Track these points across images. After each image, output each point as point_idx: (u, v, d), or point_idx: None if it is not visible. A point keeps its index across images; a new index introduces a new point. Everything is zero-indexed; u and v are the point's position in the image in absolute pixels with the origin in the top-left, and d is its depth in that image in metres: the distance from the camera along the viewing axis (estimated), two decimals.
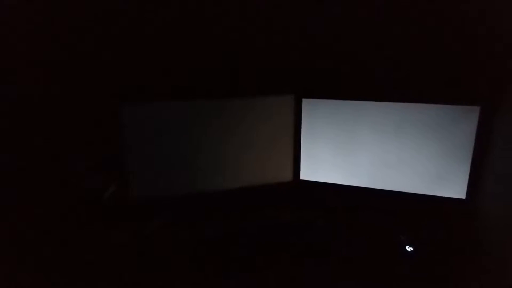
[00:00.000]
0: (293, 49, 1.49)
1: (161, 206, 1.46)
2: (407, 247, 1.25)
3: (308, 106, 1.44)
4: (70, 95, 1.47)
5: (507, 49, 1.25)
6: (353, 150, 1.42)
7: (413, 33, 1.37)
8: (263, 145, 1.47)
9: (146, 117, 1.36)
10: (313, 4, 1.41)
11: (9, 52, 1.33)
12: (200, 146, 1.43)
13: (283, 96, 1.44)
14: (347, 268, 1.19)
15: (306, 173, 1.51)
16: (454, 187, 1.33)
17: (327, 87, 1.49)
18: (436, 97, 1.30)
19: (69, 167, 1.49)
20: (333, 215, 1.43)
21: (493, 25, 1.25)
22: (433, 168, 1.35)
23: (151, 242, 1.32)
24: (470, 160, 1.30)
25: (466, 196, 1.33)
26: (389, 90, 1.43)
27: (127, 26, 1.44)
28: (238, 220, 1.42)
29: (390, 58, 1.43)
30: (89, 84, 1.49)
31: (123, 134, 1.35)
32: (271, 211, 1.46)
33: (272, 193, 1.53)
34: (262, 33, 1.48)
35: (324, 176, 1.49)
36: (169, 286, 1.16)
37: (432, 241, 1.28)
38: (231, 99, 1.41)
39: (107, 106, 1.38)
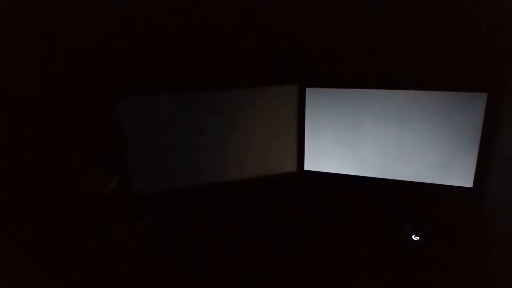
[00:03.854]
0: (296, 38, 1.47)
1: (162, 200, 1.45)
2: (413, 237, 1.24)
3: (312, 96, 1.42)
4: (68, 90, 1.46)
5: None
6: (358, 139, 1.41)
7: (418, 19, 1.35)
8: (267, 136, 1.46)
9: (146, 111, 1.35)
10: None
11: (7, 49, 1.33)
12: (202, 138, 1.42)
13: (287, 86, 1.43)
14: (351, 258, 1.19)
15: (311, 164, 1.50)
16: (461, 175, 1.32)
17: (331, 76, 1.47)
18: (442, 84, 1.28)
19: (69, 163, 1.49)
20: (337, 205, 1.42)
21: (502, 10, 1.23)
22: (439, 157, 1.33)
23: (152, 237, 1.32)
24: (477, 148, 1.28)
25: (473, 184, 1.31)
26: (394, 78, 1.41)
27: (124, 20, 1.43)
28: (242, 212, 1.41)
29: (395, 45, 1.40)
30: (87, 79, 1.48)
31: (123, 129, 1.35)
32: (276, 202, 1.45)
33: (276, 184, 1.52)
34: (264, 23, 1.46)
35: (328, 166, 1.48)
36: (170, 280, 1.16)
37: (439, 231, 1.26)
38: (233, 90, 1.39)
39: (106, 100, 1.37)
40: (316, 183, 1.52)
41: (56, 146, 1.47)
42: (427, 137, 1.32)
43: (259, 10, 1.44)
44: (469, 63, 1.33)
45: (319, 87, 1.41)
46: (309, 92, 1.42)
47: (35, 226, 1.35)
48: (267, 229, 1.33)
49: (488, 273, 1.13)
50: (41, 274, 1.18)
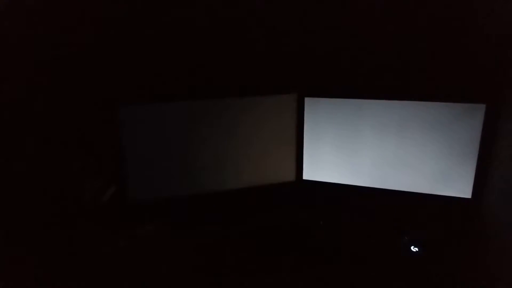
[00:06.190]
0: (295, 48, 1.48)
1: (160, 207, 1.44)
2: (412, 248, 1.24)
3: (311, 105, 1.42)
4: (68, 96, 1.46)
5: None
6: (356, 149, 1.41)
7: (417, 30, 1.35)
8: (265, 144, 1.46)
9: (145, 118, 1.35)
10: (315, 4, 1.40)
11: (7, 53, 1.32)
12: (201, 147, 1.42)
13: (286, 95, 1.43)
14: (351, 269, 1.18)
15: (309, 173, 1.50)
16: (460, 186, 1.32)
17: (330, 86, 1.47)
18: (440, 95, 1.28)
19: (68, 169, 1.48)
20: (336, 215, 1.42)
21: (500, 21, 1.23)
22: (437, 167, 1.33)
23: (150, 245, 1.31)
24: (475, 159, 1.28)
25: (472, 195, 1.31)
26: (393, 88, 1.41)
27: (125, 27, 1.43)
28: (239, 221, 1.41)
29: (394, 56, 1.41)
30: (88, 86, 1.48)
31: (122, 135, 1.34)
32: (274, 211, 1.45)
33: (274, 193, 1.51)
34: (264, 32, 1.46)
35: (327, 176, 1.47)
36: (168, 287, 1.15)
37: (437, 242, 1.26)
38: (232, 99, 1.39)
39: (106, 107, 1.37)
40: (314, 193, 1.51)
41: (55, 153, 1.46)
42: (425, 148, 1.32)
43: (258, 19, 1.44)
44: (467, 74, 1.33)
45: (318, 96, 1.41)
46: (308, 101, 1.42)
47: (34, 233, 1.34)
48: (265, 238, 1.32)
49: (488, 283, 1.12)
50: (39, 278, 1.17)
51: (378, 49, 1.42)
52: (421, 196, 1.36)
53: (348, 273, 1.16)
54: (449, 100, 1.27)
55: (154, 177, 1.41)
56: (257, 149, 1.46)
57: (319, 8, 1.41)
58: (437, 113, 1.28)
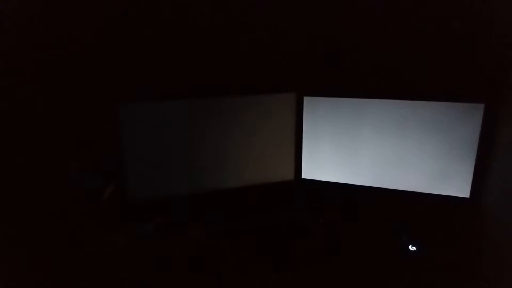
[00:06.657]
0: (295, 47, 1.48)
1: (161, 207, 1.44)
2: (410, 247, 1.24)
3: (310, 104, 1.43)
4: (68, 95, 1.46)
5: None
6: (355, 148, 1.41)
7: (417, 29, 1.36)
8: (264, 143, 1.46)
9: (145, 117, 1.35)
10: (315, 4, 1.40)
11: (7, 53, 1.33)
12: (200, 145, 1.42)
13: (285, 94, 1.43)
14: (349, 268, 1.18)
15: (308, 172, 1.50)
16: (458, 185, 1.32)
17: (329, 85, 1.48)
18: (439, 95, 1.29)
19: (68, 167, 1.48)
20: (335, 214, 1.42)
21: (499, 22, 1.24)
22: (436, 167, 1.33)
23: (150, 244, 1.31)
24: (474, 159, 1.28)
25: (470, 195, 1.31)
26: (392, 88, 1.42)
27: (125, 25, 1.43)
28: (239, 219, 1.41)
29: (393, 56, 1.41)
30: (88, 85, 1.48)
31: (122, 134, 1.34)
32: (273, 210, 1.45)
33: (273, 192, 1.51)
34: (263, 31, 1.47)
35: (326, 175, 1.48)
36: (168, 287, 1.15)
37: (435, 241, 1.27)
38: (231, 98, 1.40)
39: (106, 106, 1.37)
40: (313, 191, 1.52)
41: (56, 150, 1.46)
42: (424, 147, 1.33)
43: (258, 19, 1.45)
44: (466, 74, 1.34)
45: (317, 95, 1.41)
46: (307, 100, 1.43)
47: (34, 233, 1.34)
48: (264, 237, 1.32)
49: (485, 283, 1.13)
50: (40, 277, 1.17)
51: (378, 49, 1.43)
52: (419, 195, 1.37)
53: (346, 272, 1.17)
54: (448, 99, 1.27)
55: (154, 176, 1.41)
56: (257, 148, 1.46)
57: (319, 8, 1.42)
58: (436, 112, 1.29)
